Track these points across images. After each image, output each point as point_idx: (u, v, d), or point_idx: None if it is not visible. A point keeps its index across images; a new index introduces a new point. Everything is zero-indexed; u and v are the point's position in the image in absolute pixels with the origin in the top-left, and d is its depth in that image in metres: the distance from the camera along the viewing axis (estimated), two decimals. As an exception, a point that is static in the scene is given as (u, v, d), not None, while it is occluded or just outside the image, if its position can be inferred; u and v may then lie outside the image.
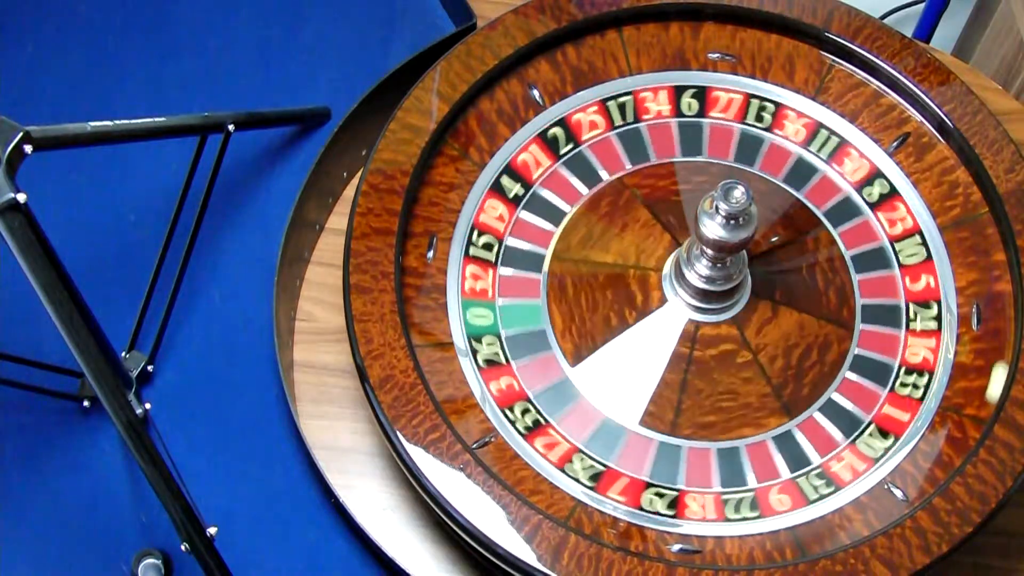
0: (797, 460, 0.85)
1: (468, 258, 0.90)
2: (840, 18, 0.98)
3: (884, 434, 0.85)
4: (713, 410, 0.86)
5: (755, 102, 0.98)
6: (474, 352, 0.87)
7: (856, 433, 0.86)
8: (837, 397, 0.87)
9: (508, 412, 0.85)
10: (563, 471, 0.83)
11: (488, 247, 0.91)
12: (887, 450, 0.84)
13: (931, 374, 0.87)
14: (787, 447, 0.85)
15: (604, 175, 0.95)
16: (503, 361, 0.87)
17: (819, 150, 0.96)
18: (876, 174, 0.95)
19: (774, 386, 0.87)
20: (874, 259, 0.92)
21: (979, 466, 0.81)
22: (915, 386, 0.87)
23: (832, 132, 0.96)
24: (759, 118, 0.97)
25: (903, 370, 0.88)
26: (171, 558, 0.91)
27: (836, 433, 0.86)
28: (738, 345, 0.88)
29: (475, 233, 0.91)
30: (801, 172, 0.96)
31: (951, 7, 1.31)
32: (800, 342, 0.88)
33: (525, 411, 0.86)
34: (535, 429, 0.85)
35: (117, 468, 0.95)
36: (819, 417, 0.86)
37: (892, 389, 0.87)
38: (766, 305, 0.90)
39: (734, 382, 0.87)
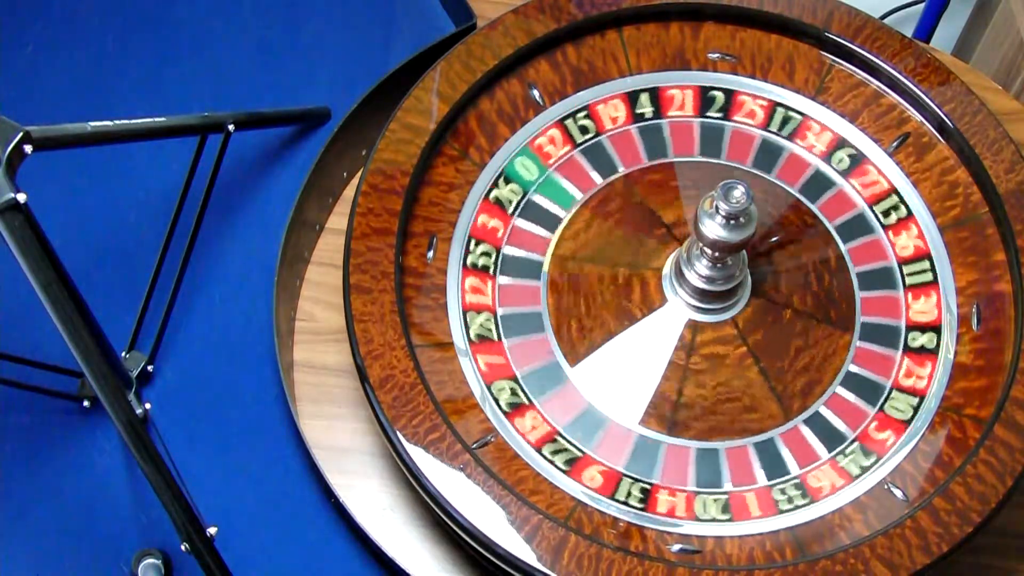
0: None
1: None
2: (840, 18, 0.98)
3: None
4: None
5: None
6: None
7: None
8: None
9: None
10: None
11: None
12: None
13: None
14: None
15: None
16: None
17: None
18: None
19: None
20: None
21: (979, 466, 0.81)
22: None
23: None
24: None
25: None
26: (171, 558, 0.91)
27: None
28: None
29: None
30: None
31: (951, 7, 1.31)
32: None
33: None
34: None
35: (117, 468, 0.95)
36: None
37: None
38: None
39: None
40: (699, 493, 0.83)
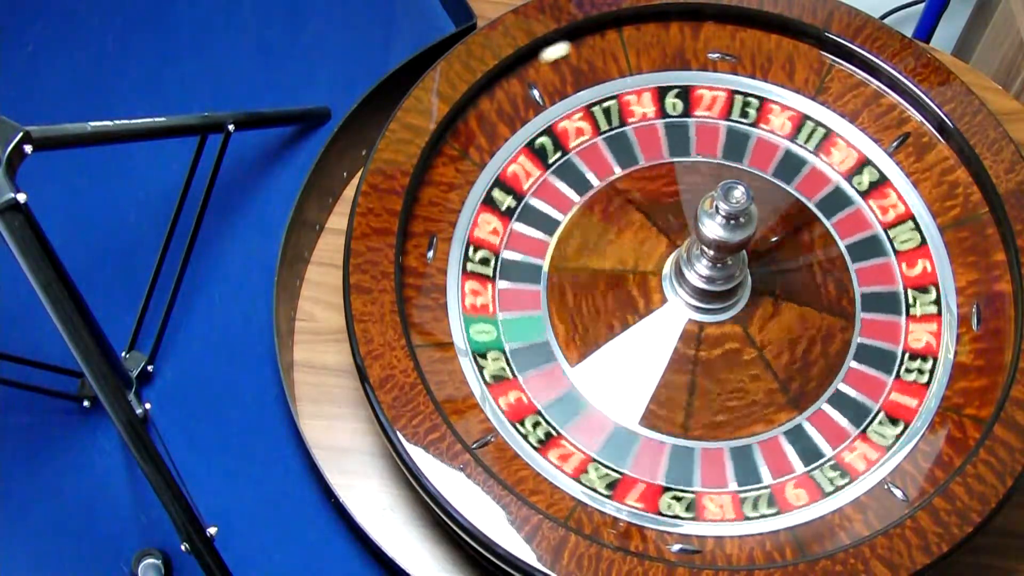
0: (809, 454, 0.85)
1: (467, 274, 0.90)
2: (840, 18, 0.98)
3: (893, 421, 0.85)
4: (722, 409, 0.86)
5: (739, 98, 0.98)
6: (480, 368, 0.87)
7: (866, 423, 0.86)
8: (844, 388, 0.87)
9: (519, 426, 0.85)
10: (579, 481, 0.83)
11: (485, 261, 0.91)
12: (897, 437, 0.85)
13: (935, 359, 0.87)
14: (799, 441, 0.85)
15: (594, 181, 0.95)
16: (510, 376, 0.87)
17: (806, 142, 0.96)
18: (864, 163, 0.95)
19: (781, 381, 0.87)
20: (869, 247, 0.93)
21: (979, 466, 0.81)
22: (920, 371, 0.87)
23: (818, 123, 0.96)
24: (744, 114, 0.97)
25: (907, 356, 0.88)
26: (171, 558, 0.91)
27: (846, 423, 0.86)
28: (742, 343, 0.88)
29: (471, 249, 0.91)
30: (790, 165, 0.96)
31: (951, 7, 1.31)
32: (803, 335, 0.88)
33: (536, 424, 0.86)
34: (547, 441, 0.85)
35: (117, 468, 0.95)
36: (828, 408, 0.87)
37: (898, 376, 0.87)
38: (767, 302, 0.90)
39: (741, 380, 0.87)
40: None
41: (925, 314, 0.89)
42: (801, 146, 0.96)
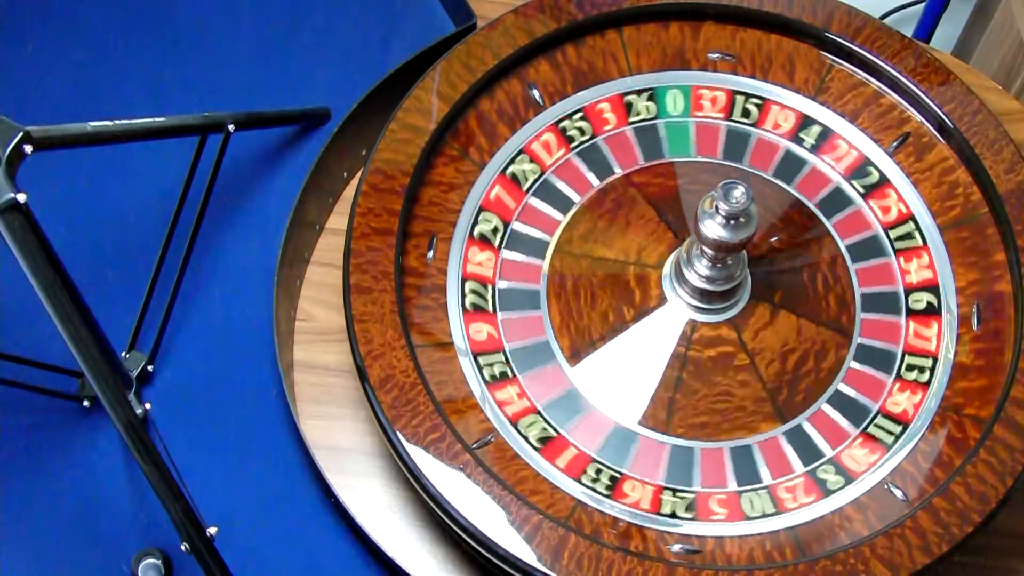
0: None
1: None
2: (840, 18, 0.98)
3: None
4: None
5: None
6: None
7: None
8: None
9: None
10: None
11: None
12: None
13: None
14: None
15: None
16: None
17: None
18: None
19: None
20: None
21: (979, 466, 0.81)
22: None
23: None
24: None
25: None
26: (171, 558, 0.91)
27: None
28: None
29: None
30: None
31: (951, 7, 1.31)
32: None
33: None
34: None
35: (117, 468, 0.95)
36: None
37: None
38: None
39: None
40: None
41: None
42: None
